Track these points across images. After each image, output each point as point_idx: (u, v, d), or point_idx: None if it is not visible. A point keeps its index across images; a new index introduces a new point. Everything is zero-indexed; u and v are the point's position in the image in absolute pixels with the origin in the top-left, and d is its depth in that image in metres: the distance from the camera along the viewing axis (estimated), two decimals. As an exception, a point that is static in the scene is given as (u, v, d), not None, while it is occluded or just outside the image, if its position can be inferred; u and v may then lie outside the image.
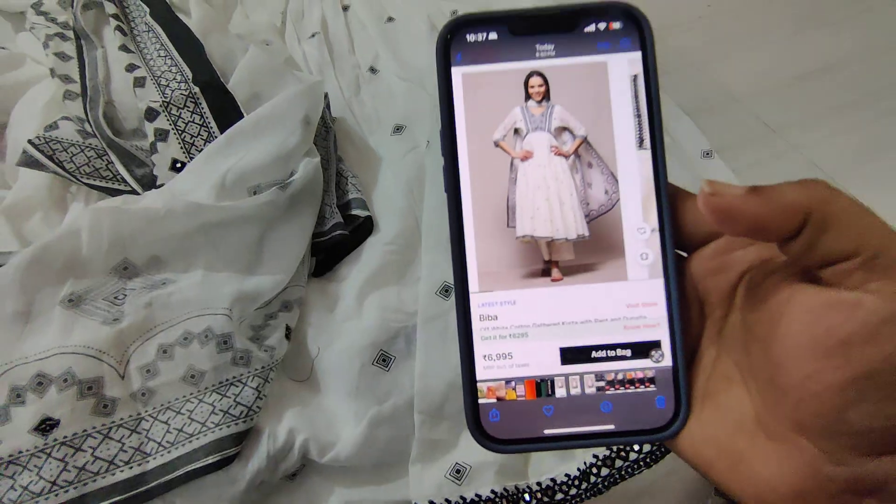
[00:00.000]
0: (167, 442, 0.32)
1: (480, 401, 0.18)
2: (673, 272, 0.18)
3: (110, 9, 0.53)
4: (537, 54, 0.18)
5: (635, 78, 0.18)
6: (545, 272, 0.18)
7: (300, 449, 0.33)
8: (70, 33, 0.52)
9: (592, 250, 0.18)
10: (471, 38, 0.18)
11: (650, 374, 0.18)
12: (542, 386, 0.18)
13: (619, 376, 0.18)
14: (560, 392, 0.18)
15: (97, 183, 0.45)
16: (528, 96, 0.18)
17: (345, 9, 0.71)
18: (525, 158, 0.18)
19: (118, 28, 0.51)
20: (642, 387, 0.18)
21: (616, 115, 0.18)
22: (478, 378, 0.18)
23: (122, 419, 0.32)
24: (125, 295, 0.36)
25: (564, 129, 0.18)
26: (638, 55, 0.18)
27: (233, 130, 0.43)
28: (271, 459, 0.33)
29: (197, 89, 0.46)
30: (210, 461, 0.31)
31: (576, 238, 0.18)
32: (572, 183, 0.18)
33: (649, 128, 0.18)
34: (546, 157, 0.18)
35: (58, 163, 0.44)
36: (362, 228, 0.46)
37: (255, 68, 0.49)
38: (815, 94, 0.68)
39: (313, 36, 0.64)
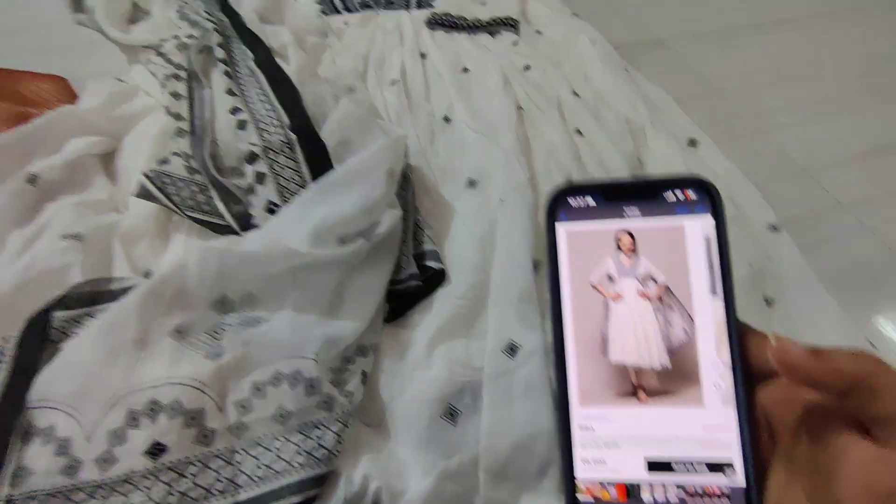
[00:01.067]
0: (257, 476, 0.34)
1: (579, 496, 0.21)
2: (743, 402, 0.20)
3: (219, 53, 0.58)
4: (626, 215, 0.22)
5: (708, 239, 0.22)
6: (633, 393, 0.21)
7: (374, 495, 0.35)
8: (183, 74, 0.57)
9: (673, 378, 0.21)
10: (572, 201, 0.23)
11: (725, 490, 0.20)
12: (631, 490, 0.21)
13: (698, 489, 0.20)
14: (646, 497, 0.20)
15: (198, 216, 0.49)
16: (618, 249, 0.22)
17: (423, 56, 0.75)
18: (616, 299, 0.22)
19: (226, 73, 0.56)
20: (718, 500, 0.20)
21: (692, 268, 0.22)
22: (577, 477, 0.21)
23: (219, 450, 0.35)
24: (223, 329, 0.40)
25: (649, 277, 0.22)
26: (711, 220, 0.22)
27: (325, 181, 0.46)
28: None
29: (293, 137, 0.50)
30: (294, 501, 0.33)
31: (659, 368, 0.21)
32: (656, 322, 0.22)
33: (721, 279, 0.21)
34: (634, 299, 0.22)
35: (167, 195, 0.49)
36: (435, 279, 0.48)
37: (345, 119, 0.53)
38: (888, 171, 0.67)
39: (393, 84, 0.68)
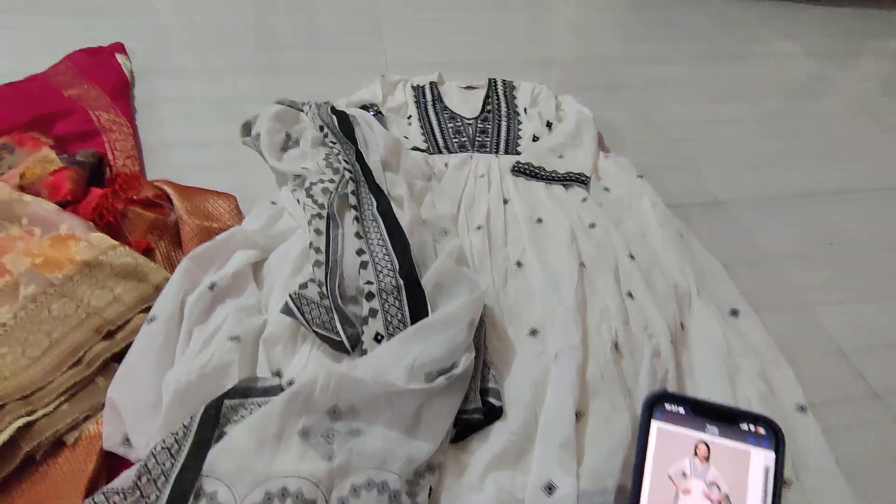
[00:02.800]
0: (346, 560, 0.46)
1: None
2: None
3: (352, 200, 0.77)
4: (706, 430, 0.29)
5: (768, 470, 0.28)
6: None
7: None
8: (325, 212, 0.76)
9: None
10: (668, 405, 0.30)
11: None
12: None
13: None
14: None
15: (321, 332, 0.65)
16: (695, 454, 0.29)
17: (505, 202, 0.91)
18: (686, 493, 0.29)
19: (356, 218, 0.74)
20: None
21: (750, 488, 0.28)
22: None
23: (320, 533, 0.47)
24: (333, 435, 0.54)
25: (715, 483, 0.29)
26: (773, 456, 0.28)
27: (423, 324, 0.61)
28: None
29: (402, 281, 0.65)
30: (371, 586, 0.45)
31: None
32: None
33: (772, 501, 0.28)
34: (699, 497, 0.29)
35: (302, 314, 0.65)
36: (493, 413, 0.60)
37: (442, 272, 0.68)
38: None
39: (479, 228, 0.83)
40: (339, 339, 0.64)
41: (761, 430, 0.29)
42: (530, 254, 0.80)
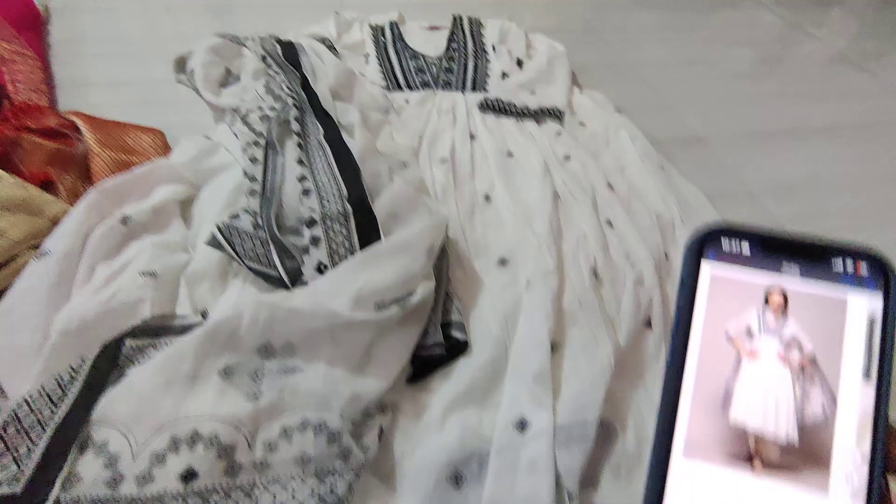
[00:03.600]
0: (272, 514, 0.38)
1: None
2: (876, 497, 0.18)
3: (295, 127, 0.67)
4: (782, 271, 0.20)
5: (873, 319, 0.19)
6: (748, 460, 0.19)
7: (374, 550, 0.38)
8: (262, 141, 0.66)
9: (798, 456, 0.19)
10: (725, 243, 0.20)
11: None
12: None
13: None
14: None
15: (256, 267, 0.55)
16: (766, 304, 0.20)
17: (472, 138, 0.83)
18: (752, 357, 0.20)
19: (298, 144, 0.65)
20: None
21: (847, 345, 0.19)
22: None
23: (241, 483, 0.39)
24: (263, 374, 0.45)
25: (795, 342, 0.20)
26: (879, 299, 0.19)
27: (371, 251, 0.52)
28: (349, 553, 0.37)
29: (350, 208, 0.57)
30: (303, 542, 0.36)
31: (784, 441, 0.19)
32: (791, 392, 0.19)
33: (879, 364, 0.19)
34: (772, 361, 0.20)
35: (232, 246, 0.56)
36: (457, 348, 0.52)
37: (396, 197, 0.59)
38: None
39: (443, 162, 0.75)
40: (277, 273, 0.55)
41: (863, 268, 0.20)
42: (500, 187, 0.72)
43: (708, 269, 0.20)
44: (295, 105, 0.71)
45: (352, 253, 0.54)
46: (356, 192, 0.58)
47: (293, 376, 0.44)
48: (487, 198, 0.71)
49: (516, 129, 0.85)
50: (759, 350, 0.20)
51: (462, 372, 0.50)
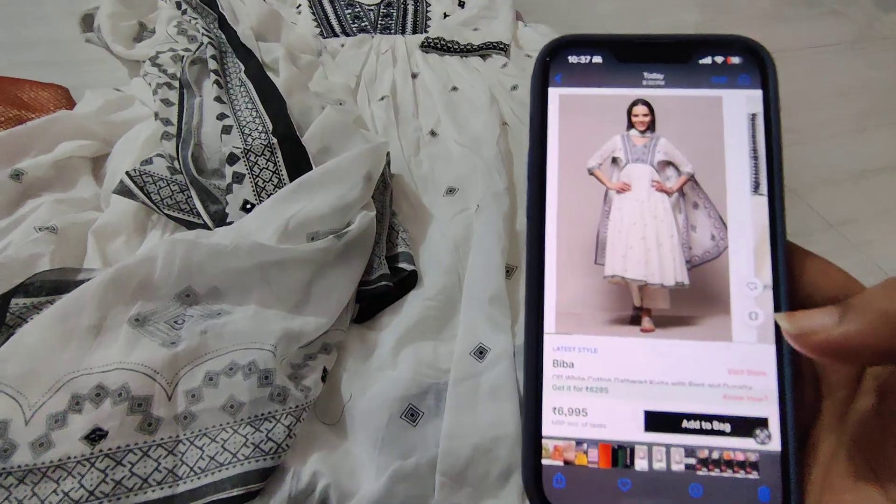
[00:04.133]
0: (198, 468, 0.33)
1: (544, 461, 0.15)
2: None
3: (212, 65, 0.61)
4: (644, 82, 0.17)
5: (754, 117, 0.16)
6: (635, 320, 0.16)
7: (321, 493, 0.34)
8: (176, 83, 0.59)
9: (692, 302, 0.16)
10: (573, 59, 0.17)
11: (753, 457, 0.15)
12: (620, 454, 0.15)
13: (714, 455, 0.15)
14: (641, 464, 0.15)
15: (175, 214, 0.50)
16: (630, 125, 0.16)
17: (414, 76, 0.77)
18: (622, 191, 0.16)
19: (216, 82, 0.58)
20: (742, 472, 0.15)
21: (729, 155, 0.16)
22: (544, 433, 0.15)
23: (162, 439, 0.34)
24: (184, 320, 0.39)
25: (669, 163, 0.16)
26: (758, 93, 0.16)
27: (301, 180, 0.47)
28: (292, 500, 0.33)
29: (275, 140, 0.51)
30: (235, 493, 0.32)
31: (673, 285, 0.16)
32: (674, 223, 0.16)
33: (767, 172, 0.16)
34: (646, 191, 0.16)
35: (146, 194, 0.49)
36: (407, 281, 0.48)
37: (327, 125, 0.53)
38: (875, 193, 0.66)
39: (382, 99, 0.70)
40: (200, 219, 0.49)
41: (734, 60, 0.16)
42: (445, 122, 0.68)
43: (557, 95, 0.17)
44: (212, 44, 0.64)
45: (281, 188, 0.48)
46: (282, 123, 0.53)
47: (218, 318, 0.39)
48: (433, 133, 0.67)
49: (460, 66, 0.80)
50: (629, 180, 0.16)
51: (413, 304, 0.46)
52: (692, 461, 0.15)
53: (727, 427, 0.15)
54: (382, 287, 0.45)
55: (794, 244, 0.16)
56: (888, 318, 0.12)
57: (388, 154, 0.56)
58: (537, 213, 0.16)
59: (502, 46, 0.83)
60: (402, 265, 0.48)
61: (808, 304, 0.15)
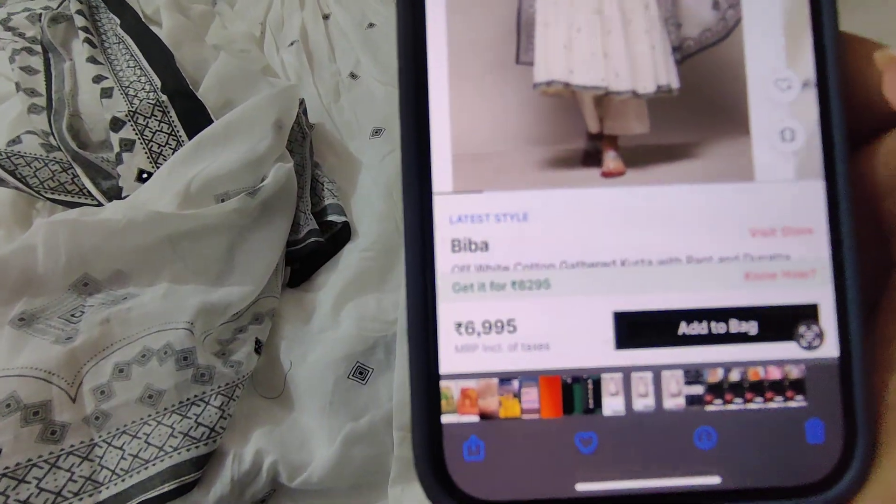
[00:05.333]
0: (121, 469, 0.29)
1: (446, 418, 0.09)
2: (845, 168, 0.09)
3: (80, 21, 0.52)
4: None
5: None
6: (591, 157, 0.10)
7: (269, 472, 0.30)
8: (38, 47, 0.51)
9: (686, 118, 0.10)
10: None
11: (795, 372, 0.09)
12: (577, 391, 0.10)
13: (735, 375, 0.10)
14: (613, 405, 0.10)
15: (62, 197, 0.43)
16: None
17: (325, 17, 0.70)
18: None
19: (87, 40, 0.50)
20: (779, 399, 0.09)
21: None
22: (441, 370, 0.10)
23: (72, 446, 0.29)
24: (83, 312, 0.34)
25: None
26: None
27: (200, 137, 0.41)
28: (236, 484, 0.30)
29: (165, 98, 0.44)
30: (167, 489, 0.28)
31: (653, 92, 0.10)
32: None
33: None
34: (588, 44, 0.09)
35: (20, 178, 0.42)
36: (340, 236, 0.43)
37: (225, 75, 0.47)
38: None
39: (292, 44, 0.63)
40: (93, 199, 0.43)
41: None
42: (366, 62, 0.62)
43: None
44: (76, -1, 0.55)
45: (181, 147, 0.43)
46: (172, 79, 0.46)
47: (123, 303, 0.34)
48: (353, 75, 0.61)
49: (375, 0, 0.73)
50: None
51: (349, 258, 0.42)
52: (698, 390, 0.09)
53: (753, 326, 0.09)
54: (312, 244, 0.41)
55: (850, 34, 0.10)
56: None
57: (302, 101, 0.50)
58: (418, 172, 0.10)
59: (417, -25, 0.76)
60: (332, 218, 0.43)
61: (865, 124, 0.09)
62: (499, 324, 0.10)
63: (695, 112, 0.10)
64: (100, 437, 0.30)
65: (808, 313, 0.10)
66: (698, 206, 0.10)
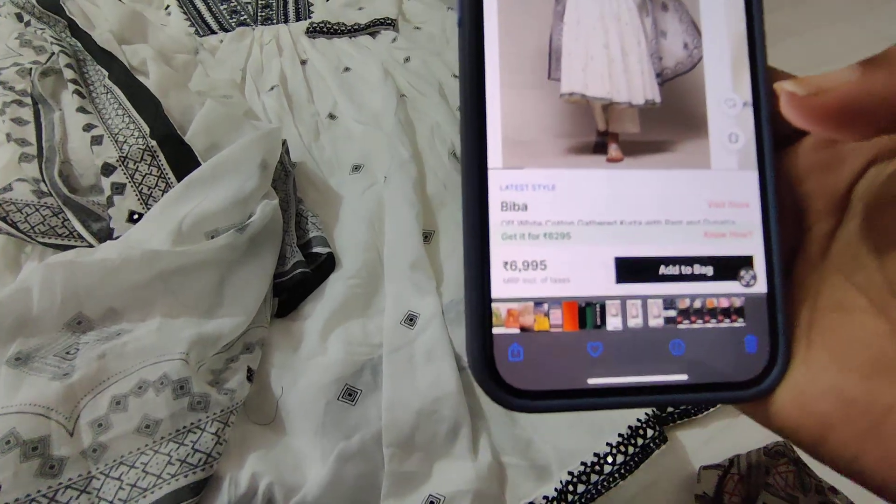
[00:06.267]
0: (119, 500, 0.30)
1: (496, 330, 0.12)
2: (771, 161, 0.13)
3: (69, 74, 0.55)
4: None
5: None
6: (599, 148, 0.13)
7: (264, 494, 0.32)
8: (28, 100, 0.53)
9: (665, 123, 0.14)
10: None
11: (738, 302, 0.13)
12: (589, 312, 0.13)
13: (697, 304, 0.13)
14: (613, 322, 0.13)
15: (53, 241, 0.44)
16: None
17: (303, 63, 0.74)
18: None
19: (76, 91, 0.52)
20: (727, 321, 0.13)
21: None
22: (493, 295, 0.13)
23: (70, 479, 0.30)
24: (77, 349, 0.35)
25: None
26: None
27: (190, 178, 0.43)
28: (233, 508, 0.31)
29: (154, 143, 0.47)
30: (166, 515, 0.29)
31: (643, 104, 0.14)
32: (641, 28, 0.14)
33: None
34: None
35: (11, 223, 0.44)
36: (325, 266, 0.46)
37: (211, 119, 0.50)
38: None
39: (272, 89, 0.66)
40: (83, 241, 0.44)
41: None
42: (343, 103, 0.66)
43: None
44: (64, 52, 0.57)
45: (170, 189, 0.45)
46: (160, 125, 0.48)
47: (118, 339, 0.36)
48: (332, 116, 0.65)
49: (350, 46, 0.78)
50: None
51: (335, 286, 0.44)
52: (672, 313, 0.13)
53: (709, 270, 0.13)
54: (299, 275, 0.43)
55: (776, 69, 0.14)
56: None
57: (284, 142, 0.53)
58: (473, 17, 0.13)
59: (390, 21, 0.82)
60: (317, 250, 0.46)
61: (785, 129, 0.13)
62: (534, 263, 0.13)
63: (671, 119, 0.14)
64: (97, 469, 0.31)
65: (747, 262, 0.14)
66: (674, 184, 0.14)
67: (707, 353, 0.13)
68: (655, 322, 0.13)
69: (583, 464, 0.33)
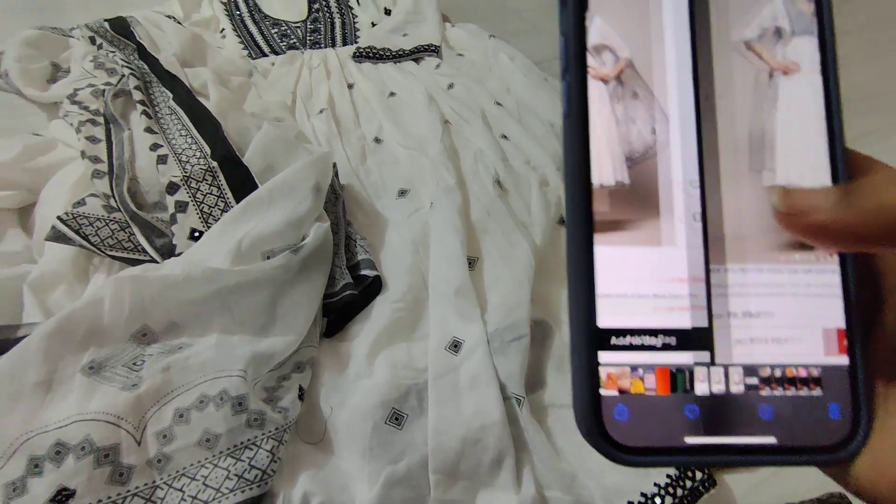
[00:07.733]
0: (181, 510, 0.31)
1: (603, 392, 0.13)
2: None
3: (137, 96, 0.58)
4: None
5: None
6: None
7: (315, 513, 0.33)
8: (100, 119, 0.57)
9: (632, 203, 0.14)
10: None
11: (816, 371, 0.14)
12: (679, 378, 0.14)
13: (777, 372, 0.14)
14: (701, 388, 0.14)
15: (120, 254, 0.47)
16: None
17: (350, 87, 0.77)
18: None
19: (144, 112, 0.56)
20: (805, 389, 0.14)
21: (669, 38, 0.14)
22: (601, 359, 0.13)
23: (137, 488, 0.32)
24: (143, 361, 0.37)
25: (605, 47, 0.14)
26: None
27: (248, 200, 0.46)
28: (285, 525, 0.32)
29: (215, 163, 0.49)
30: (224, 528, 0.30)
31: (614, 185, 0.14)
32: (611, 113, 0.15)
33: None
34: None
35: (84, 236, 0.47)
36: (372, 288, 0.47)
37: (268, 143, 0.52)
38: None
39: (321, 112, 0.69)
40: (146, 255, 0.47)
41: None
42: (388, 127, 0.68)
43: None
44: (133, 75, 0.61)
45: (229, 210, 0.47)
46: (220, 146, 0.51)
47: (180, 353, 0.38)
48: (378, 140, 0.67)
49: (395, 71, 0.80)
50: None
51: (381, 309, 0.45)
52: (753, 381, 0.14)
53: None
54: (347, 297, 0.45)
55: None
56: (885, 211, 0.11)
57: (334, 165, 0.55)
58: (578, 107, 0.14)
59: (434, 48, 0.84)
60: (365, 272, 0.47)
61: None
62: (636, 330, 0.14)
63: (640, 200, 0.15)
64: (161, 479, 0.33)
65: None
66: (637, 256, 0.14)
67: (793, 419, 0.14)
68: (737, 388, 0.14)
69: (629, 503, 0.33)
